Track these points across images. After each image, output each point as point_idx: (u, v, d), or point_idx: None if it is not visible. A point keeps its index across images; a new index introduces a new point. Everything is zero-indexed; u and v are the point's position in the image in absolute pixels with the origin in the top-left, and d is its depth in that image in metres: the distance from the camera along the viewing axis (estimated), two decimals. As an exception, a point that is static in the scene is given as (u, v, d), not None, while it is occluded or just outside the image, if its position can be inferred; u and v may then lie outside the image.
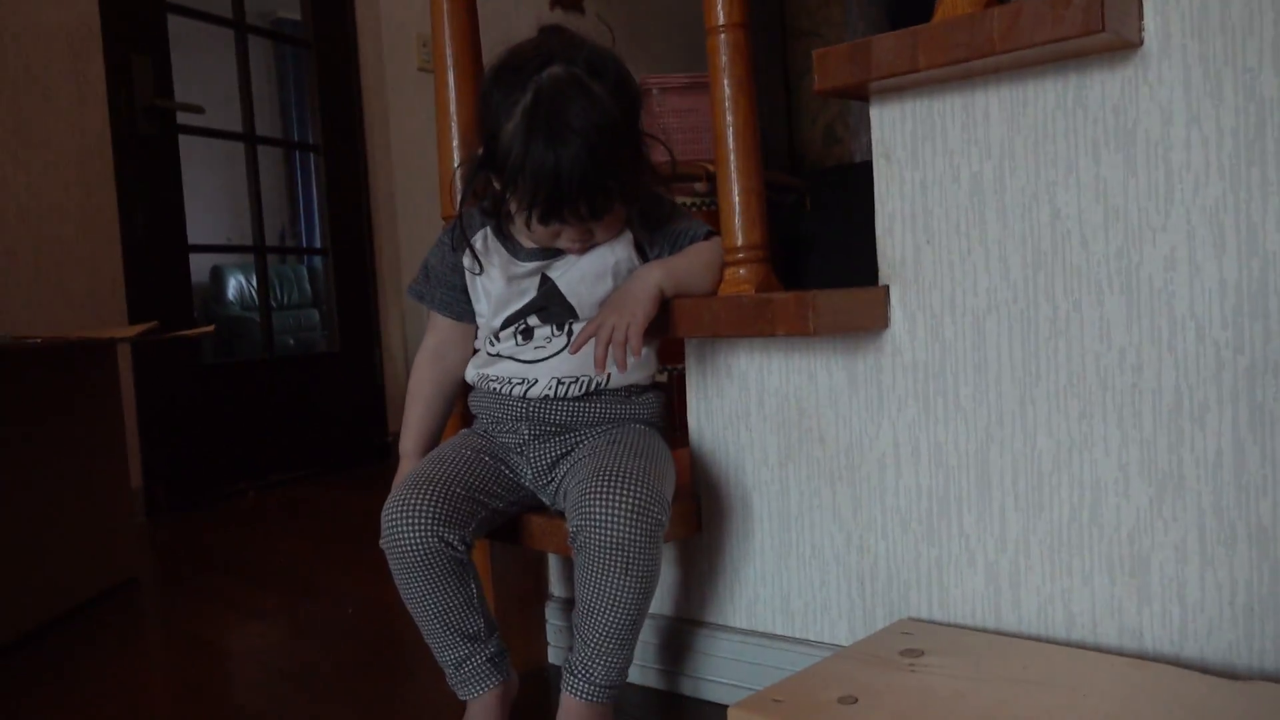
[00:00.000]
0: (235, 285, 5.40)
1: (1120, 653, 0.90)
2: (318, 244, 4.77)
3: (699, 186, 2.96)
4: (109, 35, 2.46)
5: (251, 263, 5.18)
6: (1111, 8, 0.80)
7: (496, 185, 1.06)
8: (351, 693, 1.31)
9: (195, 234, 2.75)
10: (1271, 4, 0.80)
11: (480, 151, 1.06)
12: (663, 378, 1.31)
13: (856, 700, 0.82)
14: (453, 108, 1.25)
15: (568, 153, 0.96)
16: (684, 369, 1.20)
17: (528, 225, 1.03)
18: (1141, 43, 0.86)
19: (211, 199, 4.17)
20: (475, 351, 1.19)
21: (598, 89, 0.98)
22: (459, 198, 1.15)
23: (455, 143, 1.26)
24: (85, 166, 2.42)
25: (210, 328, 1.99)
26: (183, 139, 2.67)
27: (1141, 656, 0.89)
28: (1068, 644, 0.93)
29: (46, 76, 2.35)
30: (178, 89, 2.65)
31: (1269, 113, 0.81)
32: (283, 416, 2.92)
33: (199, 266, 4.72)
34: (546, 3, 3.72)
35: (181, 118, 2.66)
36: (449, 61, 1.25)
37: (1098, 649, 0.92)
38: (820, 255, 3.34)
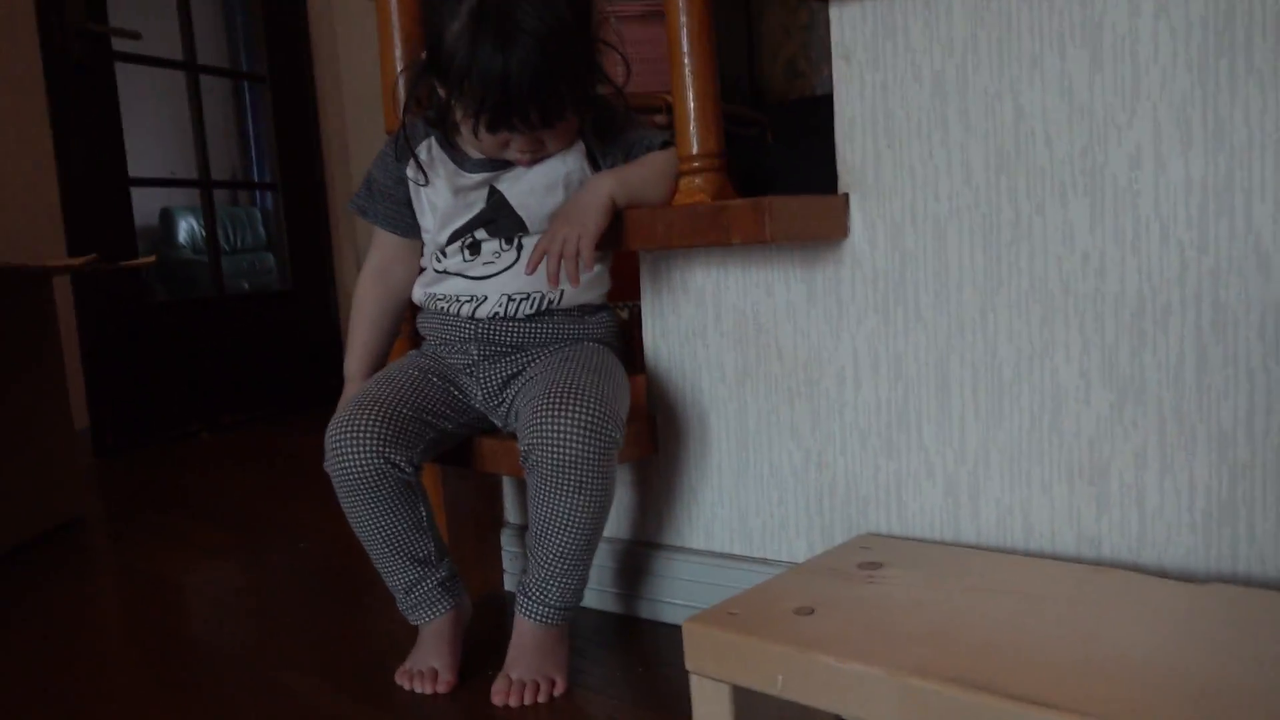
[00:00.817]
0: (186, 228, 5.24)
1: (1078, 561, 0.89)
2: (268, 180, 4.66)
3: (659, 119, 2.91)
4: (36, -45, 2.34)
5: (202, 206, 5.09)
6: (1080, -113, 0.76)
7: (441, 92, 1.00)
8: (303, 623, 1.28)
9: (139, 169, 2.65)
10: (1245, -115, 0.77)
11: (424, 55, 1.00)
12: (623, 314, 1.28)
13: (813, 611, 0.80)
14: (394, 14, 1.19)
15: (517, 55, 0.90)
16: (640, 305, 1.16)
17: (475, 134, 0.98)
18: (1110, -71, 0.82)
19: (157, 134, 4.02)
20: (422, 270, 1.14)
21: None
22: (401, 106, 1.10)
23: (398, 51, 1.20)
24: (15, 93, 2.31)
25: (152, 258, 1.93)
26: (120, 67, 2.55)
27: (1099, 564, 0.88)
28: (1026, 554, 0.92)
29: (-30, -2, 2.23)
30: (113, 15, 2.53)
31: (1238, 1, 0.78)
32: (235, 356, 2.85)
33: (148, 208, 4.59)
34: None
35: (118, 44, 2.54)
36: (389, -35, 1.18)
37: (1056, 558, 0.91)
38: (783, 189, 3.31)
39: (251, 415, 2.88)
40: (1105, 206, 0.85)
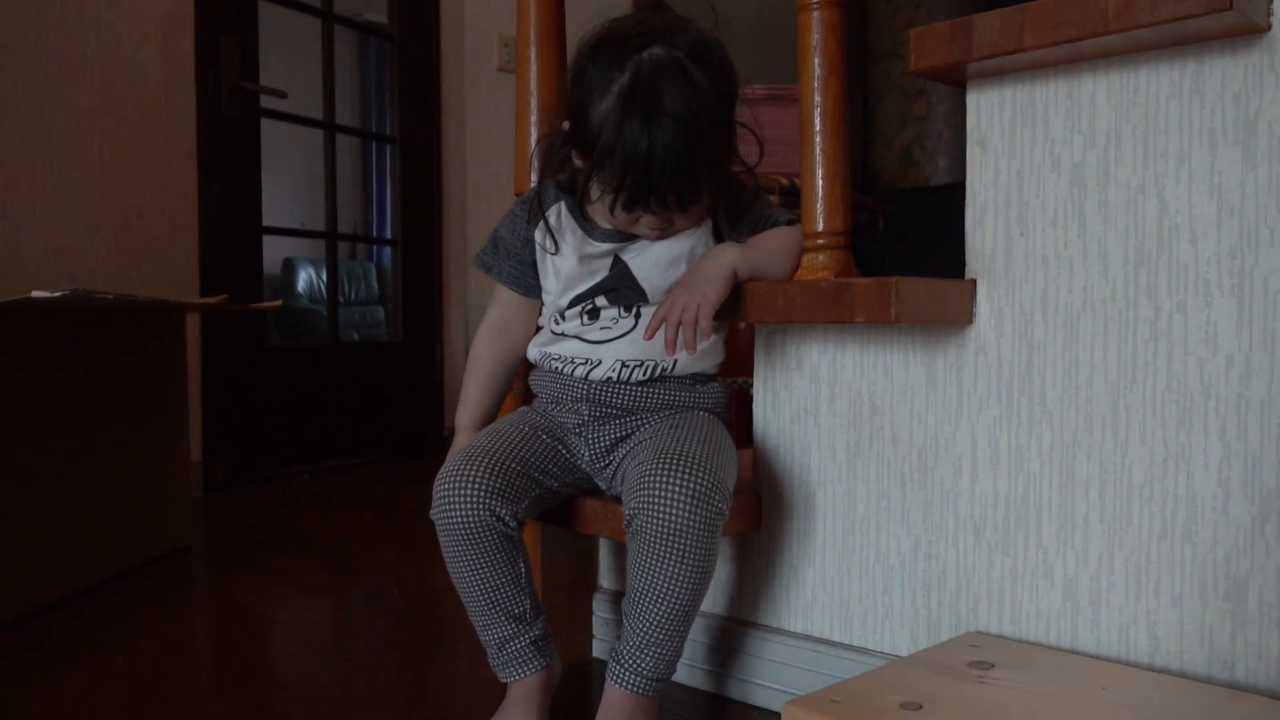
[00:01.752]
0: (305, 278, 5.48)
1: (1210, 682, 0.84)
2: (389, 236, 4.84)
3: (773, 199, 2.93)
4: (201, 17, 2.51)
5: (322, 258, 5.30)
6: (1241, -15, 0.75)
7: (579, 163, 1.03)
8: (388, 668, 1.28)
9: (270, 218, 2.79)
10: None
11: (566, 125, 1.03)
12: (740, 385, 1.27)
13: (920, 707, 0.76)
14: (533, 84, 1.23)
15: (662, 139, 0.92)
16: (749, 383, 1.16)
17: (610, 210, 1.00)
18: (1269, 28, 0.80)
19: (289, 186, 4.23)
20: (539, 329, 1.16)
21: (699, 75, 0.94)
22: (539, 171, 1.13)
23: (534, 118, 1.24)
24: (169, 144, 2.47)
25: (278, 302, 2.01)
26: (265, 123, 2.71)
27: (1234, 688, 0.82)
28: (1150, 669, 0.87)
29: (137, 54, 2.40)
30: (264, 76, 2.70)
31: None
32: (342, 403, 2.93)
33: (272, 257, 4.79)
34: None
35: (265, 102, 2.70)
36: (532, 36, 1.23)
37: (1184, 676, 0.85)
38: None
39: (351, 461, 2.95)
40: (1254, 309, 0.82)
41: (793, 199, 3.06)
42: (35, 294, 1.32)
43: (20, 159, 2.19)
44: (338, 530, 2.17)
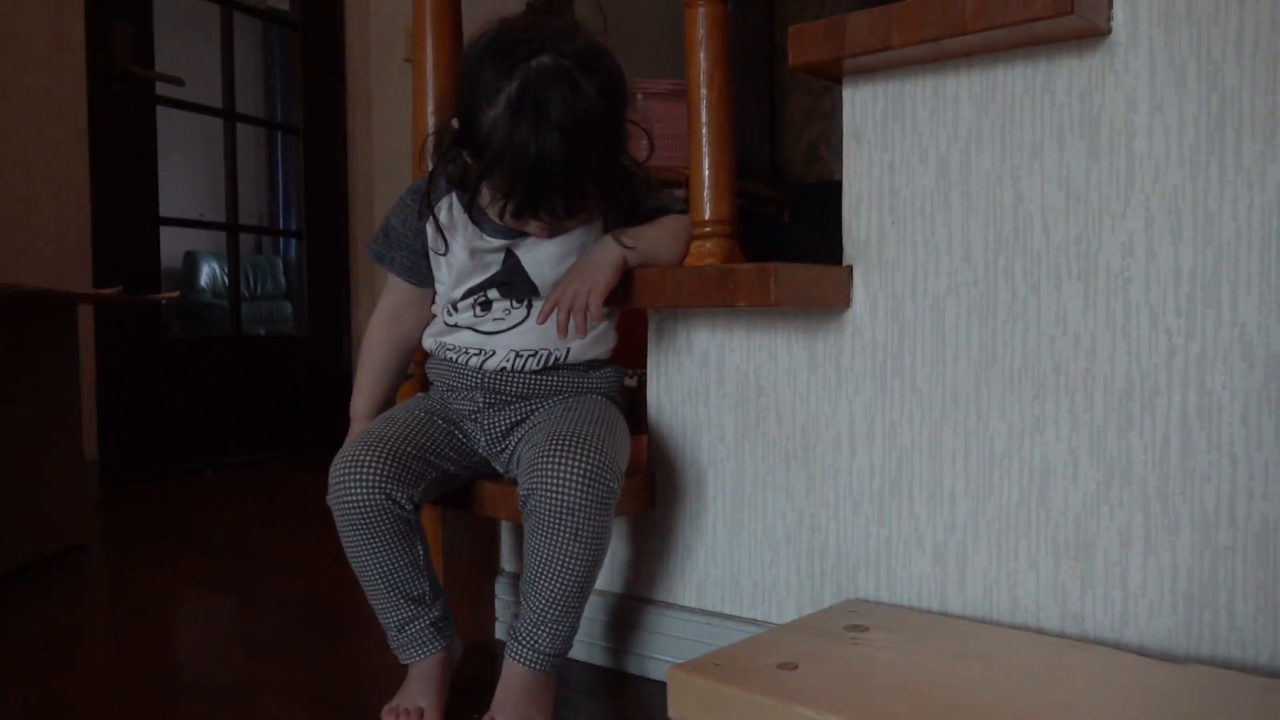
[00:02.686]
0: (208, 272, 5.34)
1: (1062, 636, 0.91)
2: (294, 228, 4.75)
3: (679, 193, 2.98)
4: (91, 1, 2.44)
5: (224, 251, 5.17)
6: (1081, -9, 0.81)
7: (468, 160, 1.04)
8: (292, 656, 1.29)
9: (169, 209, 2.73)
10: (1237, -3, 0.82)
11: (455, 123, 1.04)
12: (632, 382, 1.30)
13: (796, 666, 0.81)
14: (430, 73, 1.25)
15: (549, 151, 0.93)
16: (639, 375, 1.19)
17: (500, 215, 1.02)
18: (1110, 31, 0.87)
19: (190, 177, 4.12)
20: (432, 318, 1.17)
21: (587, 85, 0.95)
22: (431, 165, 1.13)
23: (430, 107, 1.25)
24: (58, 126, 2.39)
25: (176, 293, 1.97)
26: (162, 111, 2.64)
27: (1083, 640, 0.89)
28: (1011, 627, 0.93)
29: (23, 37, 2.32)
30: (160, 62, 2.63)
31: (1230, 103, 0.82)
32: (246, 397, 2.89)
33: (173, 250, 4.67)
34: None
35: (161, 89, 2.64)
36: (429, 27, 1.25)
37: (1041, 632, 0.92)
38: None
39: (257, 457, 2.91)
40: (1098, 292, 0.88)
41: (699, 192, 3.11)
42: (-86, 284, 1.28)
43: (-103, 145, 2.11)
44: (239, 524, 2.14)
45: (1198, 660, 0.84)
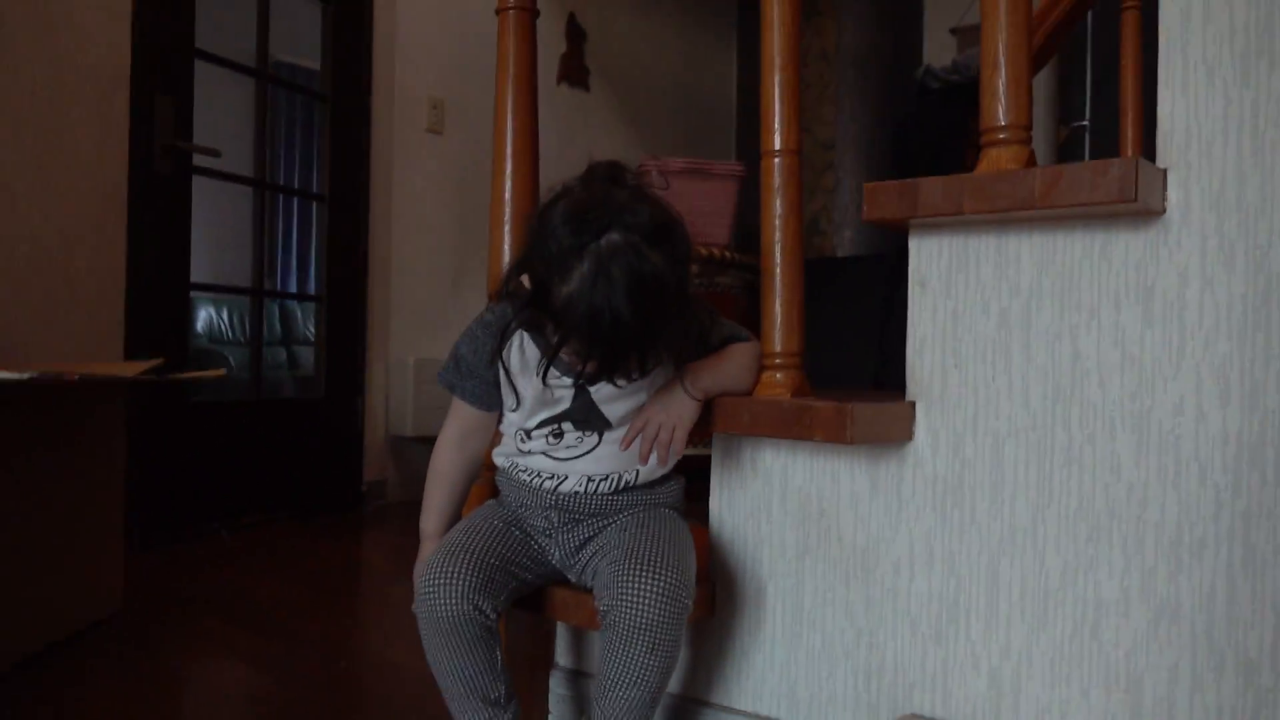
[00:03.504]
0: (205, 317, 5.37)
1: (1113, 763, 0.98)
2: (310, 290, 4.80)
3: (693, 269, 3.07)
4: (137, 76, 2.51)
5: (224, 299, 5.21)
6: (1144, 181, 0.91)
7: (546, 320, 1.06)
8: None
9: (194, 274, 2.78)
10: (1280, 191, 0.91)
11: (526, 282, 1.07)
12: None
13: (877, 793, 0.87)
14: (507, 197, 1.33)
15: (623, 323, 0.98)
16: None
17: (578, 377, 1.08)
18: (1164, 211, 0.96)
19: (204, 240, 4.16)
20: (500, 435, 1.23)
21: (654, 256, 0.99)
22: (512, 315, 1.13)
23: (506, 229, 1.33)
24: (101, 203, 2.46)
25: (221, 371, 2.02)
26: (195, 180, 2.71)
27: (1133, 769, 0.96)
28: (1063, 752, 1.00)
29: (70, 115, 2.39)
30: (196, 133, 2.71)
31: (1274, 286, 0.91)
32: (261, 459, 2.92)
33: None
34: (553, 77, 3.85)
35: (197, 160, 2.70)
36: (509, 150, 1.33)
37: (1091, 758, 0.99)
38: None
39: (269, 517, 2.94)
40: (1150, 445, 0.97)
41: (712, 268, 3.21)
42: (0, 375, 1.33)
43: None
44: (264, 591, 2.18)
45: (1243, 793, 0.92)
